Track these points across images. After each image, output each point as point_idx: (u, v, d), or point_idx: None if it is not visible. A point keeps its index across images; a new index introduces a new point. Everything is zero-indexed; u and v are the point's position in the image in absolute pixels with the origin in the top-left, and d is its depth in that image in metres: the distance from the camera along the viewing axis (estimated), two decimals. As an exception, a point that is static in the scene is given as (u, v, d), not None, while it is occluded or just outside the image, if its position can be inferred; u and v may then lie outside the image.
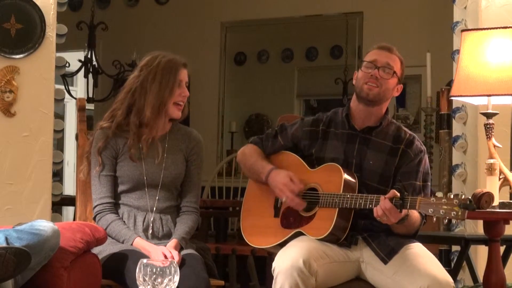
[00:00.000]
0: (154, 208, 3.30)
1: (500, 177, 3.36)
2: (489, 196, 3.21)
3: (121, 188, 3.32)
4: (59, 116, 4.28)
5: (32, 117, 3.99)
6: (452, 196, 2.81)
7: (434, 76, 5.28)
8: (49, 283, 2.79)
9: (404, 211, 2.93)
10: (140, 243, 3.19)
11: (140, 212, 3.29)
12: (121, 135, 3.32)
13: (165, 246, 3.18)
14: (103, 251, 3.18)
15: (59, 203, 4.50)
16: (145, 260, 2.38)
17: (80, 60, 7.48)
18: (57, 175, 8.28)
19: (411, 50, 5.00)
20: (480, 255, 4.06)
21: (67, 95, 6.16)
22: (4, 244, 2.64)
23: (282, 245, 3.13)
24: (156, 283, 2.34)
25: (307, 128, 3.29)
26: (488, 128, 3.35)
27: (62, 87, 6.23)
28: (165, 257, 3.06)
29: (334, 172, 3.13)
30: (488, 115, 3.35)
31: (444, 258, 4.32)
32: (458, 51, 3.91)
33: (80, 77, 8.28)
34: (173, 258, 3.05)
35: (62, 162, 4.20)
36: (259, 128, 8.32)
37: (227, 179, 6.52)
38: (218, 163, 7.44)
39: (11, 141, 3.96)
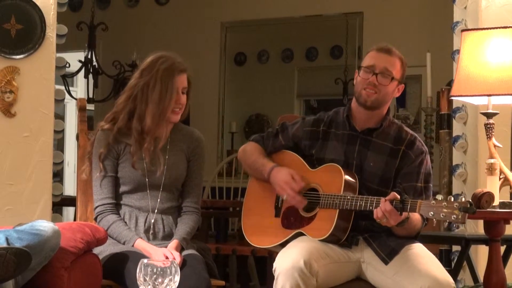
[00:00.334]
0: (156, 209, 3.30)
1: (501, 177, 3.36)
2: (490, 196, 3.21)
3: (122, 188, 3.32)
4: (59, 116, 4.28)
5: (33, 117, 3.99)
6: (452, 199, 2.80)
7: (434, 76, 5.28)
8: (49, 283, 2.79)
9: (404, 214, 2.92)
10: (141, 245, 3.18)
11: (141, 212, 3.29)
12: (122, 139, 3.31)
13: (166, 247, 3.18)
14: (103, 251, 3.18)
15: (60, 203, 4.50)
16: (145, 260, 2.38)
17: (80, 61, 7.48)
18: (58, 176, 8.28)
19: (411, 50, 4.99)
20: (480, 255, 4.06)
21: (67, 95, 6.16)
22: (4, 245, 2.64)
23: (282, 245, 3.14)
24: (156, 283, 2.35)
25: (308, 128, 3.29)
26: (488, 128, 3.35)
27: (62, 87, 6.22)
28: (166, 258, 3.06)
29: (335, 173, 3.13)
30: (488, 115, 3.35)
31: (444, 258, 4.31)
32: (458, 51, 3.91)
33: (80, 78, 8.28)
34: (175, 259, 3.05)
35: (62, 162, 4.20)
36: (259, 128, 8.32)
37: (228, 179, 6.52)
38: (218, 164, 7.44)
39: (12, 141, 3.96)
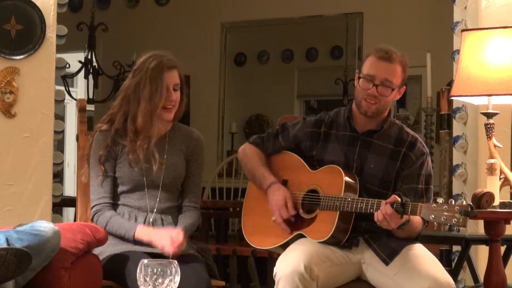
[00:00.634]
0: (155, 209, 3.29)
1: (501, 177, 3.36)
2: (490, 196, 3.21)
3: (121, 188, 3.32)
4: (60, 117, 4.28)
5: (33, 118, 3.99)
6: (453, 203, 2.80)
7: (434, 76, 5.27)
8: (49, 284, 2.79)
9: (405, 217, 2.92)
10: (144, 230, 3.18)
11: (140, 212, 3.29)
12: (120, 140, 3.31)
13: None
14: (103, 251, 3.18)
15: (60, 204, 4.50)
16: (145, 261, 2.38)
17: (80, 61, 7.49)
18: (58, 176, 8.28)
19: (411, 50, 4.96)
20: (480, 255, 4.06)
21: (67, 96, 6.16)
22: (4, 245, 2.64)
23: (283, 246, 3.14)
24: (157, 284, 2.35)
25: (309, 129, 3.28)
26: (488, 128, 3.35)
27: (63, 88, 6.23)
28: (172, 240, 3.07)
29: (335, 174, 3.12)
30: (489, 115, 3.35)
31: (444, 258, 4.31)
32: (458, 51, 3.91)
33: (80, 78, 8.29)
34: (179, 241, 3.07)
35: (62, 163, 4.20)
36: (259, 128, 8.31)
37: (228, 179, 6.52)
38: (218, 164, 7.44)
39: (12, 142, 3.96)
